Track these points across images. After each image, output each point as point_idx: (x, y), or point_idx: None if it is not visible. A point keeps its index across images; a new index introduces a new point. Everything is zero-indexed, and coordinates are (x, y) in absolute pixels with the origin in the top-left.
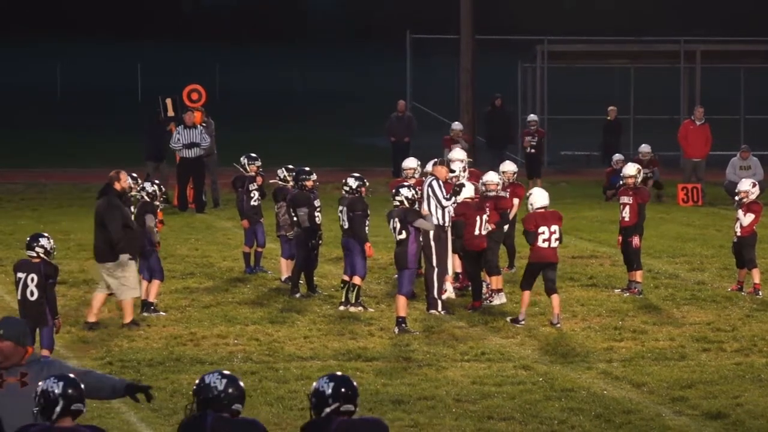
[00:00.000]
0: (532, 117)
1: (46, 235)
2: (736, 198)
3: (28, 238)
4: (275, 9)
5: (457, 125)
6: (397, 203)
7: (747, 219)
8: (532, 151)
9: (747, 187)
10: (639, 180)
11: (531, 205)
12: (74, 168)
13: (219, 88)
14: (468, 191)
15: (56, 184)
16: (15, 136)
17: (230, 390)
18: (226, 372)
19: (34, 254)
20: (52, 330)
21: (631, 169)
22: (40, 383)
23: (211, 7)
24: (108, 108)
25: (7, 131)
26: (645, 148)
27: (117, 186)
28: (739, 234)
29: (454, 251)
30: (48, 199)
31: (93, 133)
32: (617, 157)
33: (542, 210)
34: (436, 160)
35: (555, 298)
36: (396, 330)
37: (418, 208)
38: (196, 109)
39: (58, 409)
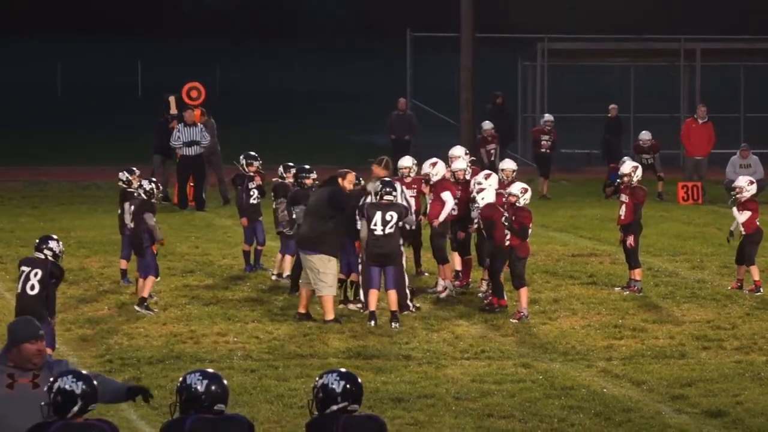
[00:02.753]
0: (548, 117)
1: (55, 237)
2: (732, 194)
3: (37, 240)
4: (275, 7)
5: (487, 124)
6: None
7: (743, 217)
8: (548, 151)
9: (742, 183)
10: (635, 179)
11: (525, 201)
12: (75, 166)
13: (219, 86)
14: (490, 194)
15: (57, 182)
16: (16, 134)
17: (212, 389)
18: (209, 371)
19: (42, 256)
20: (51, 327)
21: (625, 168)
22: (57, 380)
23: (212, 5)
24: (108, 106)
25: (7, 129)
26: (645, 135)
27: (340, 182)
28: (744, 232)
29: (453, 249)
30: (49, 196)
31: (93, 131)
32: (626, 158)
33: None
34: (373, 159)
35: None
36: (394, 324)
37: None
38: (195, 107)
39: (75, 408)
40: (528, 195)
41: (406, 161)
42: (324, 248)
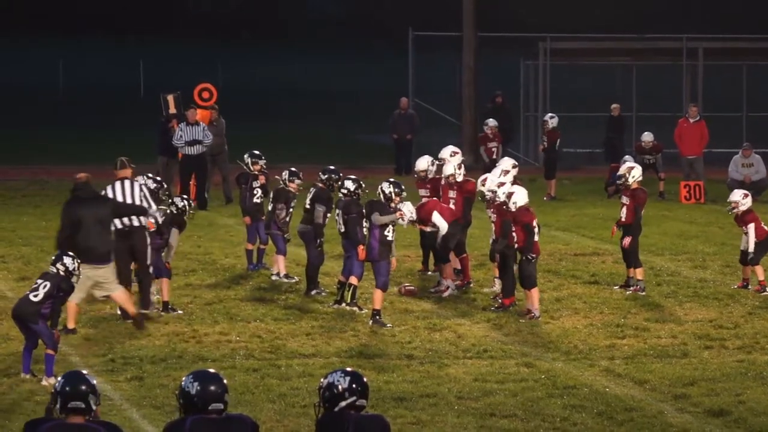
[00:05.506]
0: (546, 117)
1: (71, 254)
2: (729, 209)
3: (53, 256)
4: (277, 6)
5: (491, 121)
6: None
7: (751, 231)
8: (543, 152)
9: (737, 198)
10: (630, 180)
11: (514, 204)
12: (76, 165)
13: (221, 85)
14: (522, 196)
15: (58, 181)
16: (17, 133)
17: (203, 390)
18: (201, 371)
19: (55, 271)
20: (48, 328)
21: (621, 169)
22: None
23: (214, 4)
24: (110, 105)
25: (9, 128)
26: (647, 136)
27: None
28: (756, 241)
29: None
30: (50, 196)
31: (95, 130)
32: (628, 158)
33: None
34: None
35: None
36: (370, 322)
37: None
38: (207, 107)
39: (57, 406)
40: (516, 197)
41: (422, 164)
42: (110, 257)
